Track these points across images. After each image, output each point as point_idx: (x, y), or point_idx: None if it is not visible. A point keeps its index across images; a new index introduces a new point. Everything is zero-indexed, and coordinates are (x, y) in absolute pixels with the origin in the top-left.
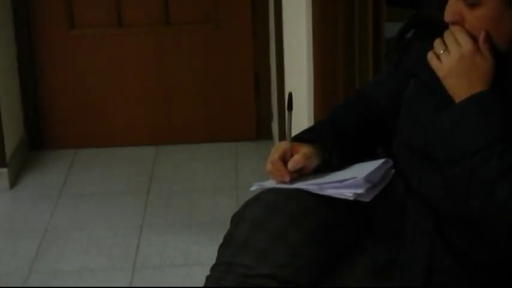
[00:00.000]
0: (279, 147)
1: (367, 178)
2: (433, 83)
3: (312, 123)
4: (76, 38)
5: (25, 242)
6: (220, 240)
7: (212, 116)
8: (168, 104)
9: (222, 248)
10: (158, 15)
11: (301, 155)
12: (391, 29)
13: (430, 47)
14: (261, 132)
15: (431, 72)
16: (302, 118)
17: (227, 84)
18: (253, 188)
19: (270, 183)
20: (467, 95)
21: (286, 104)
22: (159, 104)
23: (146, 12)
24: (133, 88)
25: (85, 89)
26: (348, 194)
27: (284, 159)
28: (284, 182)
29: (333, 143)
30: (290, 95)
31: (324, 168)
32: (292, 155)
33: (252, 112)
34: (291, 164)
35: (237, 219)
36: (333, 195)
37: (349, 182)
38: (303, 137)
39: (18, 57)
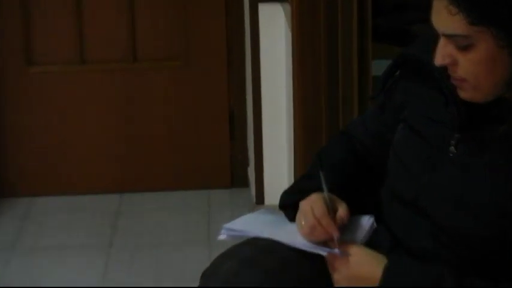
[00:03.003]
0: (316, 200)
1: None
2: (424, 129)
3: (291, 168)
4: (34, 75)
5: None
6: None
7: (182, 161)
8: (134, 147)
9: None
10: (124, 52)
11: (346, 210)
12: (379, 67)
13: (418, 88)
14: (236, 178)
15: (421, 118)
16: (281, 162)
17: (199, 126)
18: (222, 237)
19: (243, 226)
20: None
21: (319, 164)
22: (124, 147)
23: (111, 48)
24: (96, 130)
25: (43, 131)
26: (322, 252)
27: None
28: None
29: (342, 191)
30: (319, 156)
31: None
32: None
33: (226, 156)
34: (342, 220)
35: (208, 275)
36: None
37: (323, 248)
38: (311, 186)
39: None
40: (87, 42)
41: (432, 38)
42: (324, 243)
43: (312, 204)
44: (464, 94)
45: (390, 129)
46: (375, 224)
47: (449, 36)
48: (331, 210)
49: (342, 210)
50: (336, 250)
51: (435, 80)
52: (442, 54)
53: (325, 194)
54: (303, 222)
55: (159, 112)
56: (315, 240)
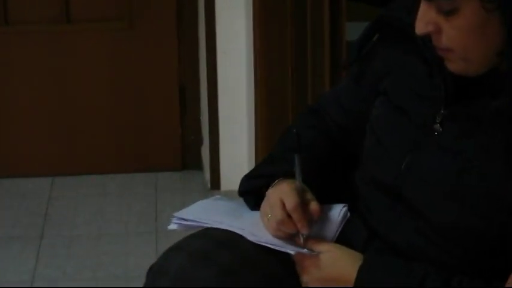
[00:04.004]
0: (287, 191)
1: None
2: (406, 104)
3: (252, 148)
4: None
5: None
6: None
7: (125, 140)
8: (68, 123)
9: None
10: (55, 11)
11: (318, 204)
12: (355, 30)
13: (399, 56)
14: (187, 160)
15: (403, 90)
16: (240, 141)
17: (145, 100)
18: (172, 227)
19: (196, 215)
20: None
21: (297, 145)
22: (57, 123)
23: (40, 6)
24: (23, 103)
25: None
26: (289, 251)
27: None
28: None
29: (314, 179)
30: (298, 135)
31: None
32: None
33: (176, 135)
34: (313, 216)
35: (155, 271)
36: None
37: (291, 247)
38: (277, 170)
39: None
40: (11, 0)
41: None
42: (291, 239)
43: (282, 195)
44: (453, 66)
45: (368, 104)
46: (348, 214)
47: (431, 0)
48: (302, 203)
49: (315, 204)
50: (305, 250)
51: (418, 47)
52: (424, 20)
53: (298, 183)
54: (269, 215)
55: (98, 82)
56: (281, 235)
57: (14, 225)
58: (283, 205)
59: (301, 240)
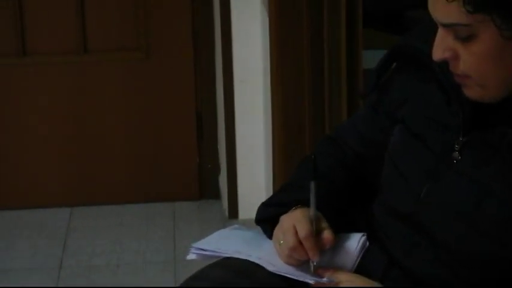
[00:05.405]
0: (300, 218)
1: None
2: (424, 132)
3: (269, 176)
4: None
5: None
6: None
7: (142, 169)
8: (86, 153)
9: None
10: (73, 41)
11: (331, 232)
12: (372, 58)
13: (417, 84)
14: (205, 189)
15: (421, 118)
16: (257, 170)
17: (161, 128)
18: (191, 257)
19: (215, 245)
20: None
21: (313, 172)
22: (75, 153)
23: (57, 37)
24: (42, 134)
25: None
26: (309, 281)
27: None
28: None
29: (330, 206)
30: (314, 162)
31: None
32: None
33: (193, 163)
34: (325, 245)
35: None
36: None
37: (309, 276)
38: (294, 198)
39: None
40: (29, 31)
41: (433, 26)
42: (308, 268)
43: (295, 222)
44: (470, 93)
45: (386, 133)
46: (367, 243)
47: (448, 26)
48: (315, 231)
49: (328, 233)
50: (325, 279)
51: (436, 74)
52: (442, 47)
53: (312, 210)
54: (281, 242)
55: (115, 111)
56: (292, 262)
57: (33, 256)
58: (296, 232)
59: (312, 268)
